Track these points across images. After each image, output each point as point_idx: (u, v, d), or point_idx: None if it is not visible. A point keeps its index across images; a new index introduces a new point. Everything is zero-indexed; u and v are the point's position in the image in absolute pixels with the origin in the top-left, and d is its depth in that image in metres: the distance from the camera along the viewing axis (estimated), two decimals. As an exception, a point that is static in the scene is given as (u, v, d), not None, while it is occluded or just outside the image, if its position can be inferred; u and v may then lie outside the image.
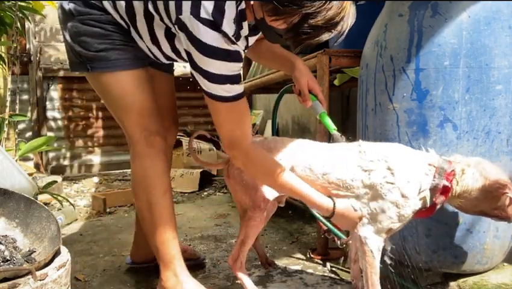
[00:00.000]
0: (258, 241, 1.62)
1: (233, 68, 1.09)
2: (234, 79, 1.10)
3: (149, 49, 1.31)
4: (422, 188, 1.13)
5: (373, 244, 1.15)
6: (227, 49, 1.05)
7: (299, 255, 1.85)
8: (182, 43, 1.09)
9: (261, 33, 1.25)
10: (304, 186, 1.21)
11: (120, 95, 1.28)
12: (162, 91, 1.49)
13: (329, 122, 1.37)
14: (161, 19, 1.17)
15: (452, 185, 1.13)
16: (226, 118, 1.16)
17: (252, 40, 1.22)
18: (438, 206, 1.16)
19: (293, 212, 2.55)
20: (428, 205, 1.15)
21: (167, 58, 1.35)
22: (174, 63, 1.54)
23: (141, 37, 1.27)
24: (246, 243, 1.36)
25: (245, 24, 1.09)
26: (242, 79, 1.15)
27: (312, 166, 1.24)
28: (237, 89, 1.12)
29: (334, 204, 1.20)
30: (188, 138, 4.36)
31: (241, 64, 1.12)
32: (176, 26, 1.08)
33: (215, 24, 1.02)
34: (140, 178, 1.35)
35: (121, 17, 1.24)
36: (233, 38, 1.04)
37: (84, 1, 1.22)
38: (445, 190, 1.13)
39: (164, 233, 1.33)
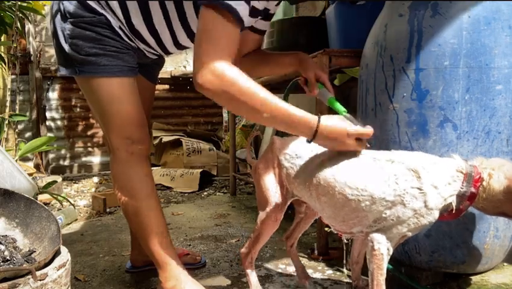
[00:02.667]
0: (295, 251, 1.53)
1: None
2: None
3: (156, 36, 1.30)
4: (448, 196, 1.11)
5: (384, 247, 1.13)
6: None
7: (299, 255, 1.85)
8: None
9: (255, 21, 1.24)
10: (283, 104, 1.05)
11: (107, 101, 1.28)
12: (142, 97, 1.46)
13: (338, 106, 1.32)
14: None
15: (479, 191, 1.11)
16: (213, 27, 1.03)
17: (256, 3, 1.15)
18: (464, 212, 1.15)
19: (293, 212, 2.54)
20: (454, 210, 1.13)
21: (173, 45, 1.35)
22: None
23: (154, 26, 1.26)
24: (259, 240, 1.34)
25: None
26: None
27: (335, 175, 1.17)
28: (242, 9, 1.04)
29: (319, 119, 1.07)
30: (188, 138, 4.37)
31: None
32: None
33: None
34: (122, 183, 1.37)
35: (126, 10, 1.22)
36: None
37: (78, 2, 1.21)
38: (471, 196, 1.12)
39: (154, 235, 1.34)
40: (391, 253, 1.14)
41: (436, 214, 1.11)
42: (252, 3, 1.10)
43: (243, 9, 1.05)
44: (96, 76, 1.25)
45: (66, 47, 1.24)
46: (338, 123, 1.08)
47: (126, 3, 1.22)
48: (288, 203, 1.33)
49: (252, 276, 1.39)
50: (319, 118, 1.07)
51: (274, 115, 1.05)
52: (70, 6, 1.22)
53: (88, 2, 1.21)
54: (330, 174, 1.16)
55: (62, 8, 1.24)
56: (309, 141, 1.11)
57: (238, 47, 1.09)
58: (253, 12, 1.15)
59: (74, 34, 1.22)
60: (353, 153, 1.16)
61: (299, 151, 1.28)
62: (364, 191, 1.11)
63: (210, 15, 1.04)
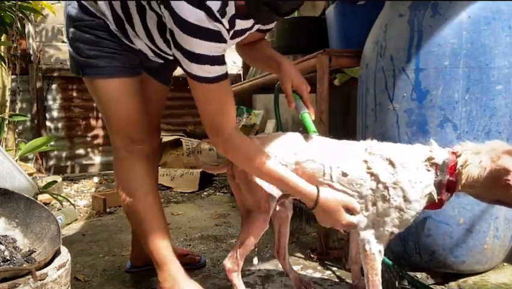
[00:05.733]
0: (289, 264, 1.48)
1: (213, 48, 1.05)
2: (214, 60, 1.06)
3: (146, 45, 1.31)
4: (425, 186, 1.10)
5: (375, 247, 1.14)
6: (209, 28, 1.01)
7: (299, 255, 1.85)
8: (167, 21, 1.06)
9: (254, 29, 1.25)
10: (289, 173, 1.17)
11: (107, 101, 1.32)
12: (151, 98, 1.47)
13: (309, 124, 1.29)
14: (150, 7, 1.17)
15: (457, 179, 1.07)
16: (206, 101, 1.13)
17: (241, 23, 1.16)
18: (446, 202, 1.13)
19: (294, 212, 2.54)
20: (436, 200, 1.10)
21: (161, 53, 1.35)
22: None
23: (137, 34, 1.27)
24: (247, 245, 1.28)
25: (231, 3, 1.06)
26: (225, 62, 1.10)
27: (317, 159, 1.20)
28: (218, 70, 1.09)
29: (318, 191, 1.14)
30: (188, 138, 4.37)
31: (223, 45, 1.07)
32: (161, 6, 1.07)
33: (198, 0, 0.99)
34: (121, 182, 1.38)
35: (117, 16, 1.24)
36: (217, 14, 1.00)
37: (79, 6, 1.26)
38: (450, 185, 1.08)
39: (153, 235, 1.34)
40: (382, 252, 1.15)
41: (417, 206, 1.10)
42: (240, 24, 1.13)
43: (221, 68, 1.09)
44: (96, 78, 1.29)
45: (70, 50, 1.30)
46: (335, 199, 1.15)
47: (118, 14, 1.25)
48: (276, 200, 1.29)
49: (241, 287, 1.31)
50: (318, 190, 1.15)
51: (280, 184, 1.20)
52: (73, 11, 1.27)
53: (87, 6, 1.24)
54: (328, 171, 1.18)
55: (67, 12, 1.29)
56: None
57: (232, 93, 1.17)
58: (240, 32, 1.19)
59: (76, 37, 1.27)
60: (346, 148, 1.20)
61: (288, 149, 1.25)
62: (352, 186, 1.16)
63: (197, 89, 1.11)
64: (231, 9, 1.06)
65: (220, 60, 1.08)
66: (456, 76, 1.29)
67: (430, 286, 1.41)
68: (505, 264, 1.54)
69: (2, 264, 1.05)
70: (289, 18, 2.77)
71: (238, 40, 1.24)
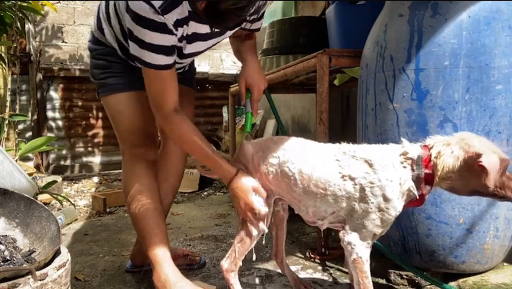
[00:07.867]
0: (287, 266, 1.49)
1: (159, 39, 1.18)
2: (159, 49, 1.20)
3: None
4: (403, 183, 1.10)
5: (361, 250, 1.13)
6: (154, 19, 1.15)
7: (299, 255, 1.85)
8: (126, 19, 1.22)
9: (229, 33, 1.37)
10: (215, 154, 1.30)
11: (113, 113, 1.51)
12: (181, 102, 1.53)
13: (247, 123, 1.44)
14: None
15: (434, 171, 1.09)
16: (150, 83, 1.29)
17: (204, 27, 1.28)
18: (426, 196, 1.13)
19: (293, 212, 2.54)
20: (417, 196, 1.11)
21: None
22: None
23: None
24: (245, 245, 1.30)
25: (184, 7, 1.18)
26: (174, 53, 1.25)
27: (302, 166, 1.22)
28: (165, 60, 1.23)
29: (237, 173, 1.25)
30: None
31: (171, 37, 1.20)
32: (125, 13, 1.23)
33: None
34: (124, 182, 1.52)
35: (121, 44, 1.39)
36: (159, 10, 1.14)
37: (92, 40, 1.50)
38: (428, 178, 1.09)
39: (147, 233, 1.39)
40: (368, 254, 1.15)
41: (397, 204, 1.10)
42: (201, 28, 1.27)
43: (167, 59, 1.23)
44: (106, 95, 1.49)
45: (90, 77, 1.54)
46: (246, 184, 1.25)
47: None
48: (272, 202, 1.31)
49: (237, 286, 1.32)
50: (237, 172, 1.26)
51: (206, 161, 1.33)
52: (91, 46, 1.51)
53: (99, 38, 1.46)
54: (316, 177, 1.19)
55: (88, 47, 1.53)
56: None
57: (176, 79, 1.31)
58: (208, 35, 1.32)
59: (92, 65, 1.51)
60: (327, 154, 1.22)
61: (283, 154, 1.27)
62: (328, 189, 1.17)
63: (146, 73, 1.27)
64: (183, 12, 1.18)
65: (165, 51, 1.22)
66: (456, 76, 1.29)
67: (430, 285, 1.41)
68: (505, 264, 1.54)
69: (2, 264, 1.05)
70: (289, 18, 2.77)
71: (214, 40, 1.37)
